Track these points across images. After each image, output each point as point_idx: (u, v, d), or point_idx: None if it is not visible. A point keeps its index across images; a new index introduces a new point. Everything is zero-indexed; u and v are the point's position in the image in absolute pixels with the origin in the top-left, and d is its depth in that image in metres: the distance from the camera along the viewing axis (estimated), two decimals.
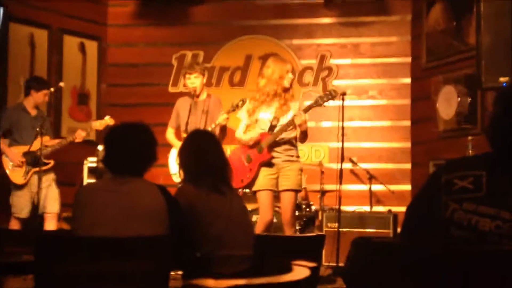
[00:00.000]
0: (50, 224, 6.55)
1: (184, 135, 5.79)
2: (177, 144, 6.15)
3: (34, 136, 6.46)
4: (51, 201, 6.53)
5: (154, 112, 8.02)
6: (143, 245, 2.68)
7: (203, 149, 3.61)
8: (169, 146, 6.33)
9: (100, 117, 8.31)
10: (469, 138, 6.21)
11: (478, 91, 6.71)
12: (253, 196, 6.47)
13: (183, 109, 6.25)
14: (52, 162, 6.60)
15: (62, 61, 8.10)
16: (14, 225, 6.51)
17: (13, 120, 6.52)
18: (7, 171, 6.50)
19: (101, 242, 2.68)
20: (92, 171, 7.27)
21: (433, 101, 7.34)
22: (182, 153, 3.69)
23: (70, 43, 8.22)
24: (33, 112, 6.66)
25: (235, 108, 5.92)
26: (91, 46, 8.44)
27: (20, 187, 6.49)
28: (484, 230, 2.02)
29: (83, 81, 8.28)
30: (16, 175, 6.47)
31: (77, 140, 6.61)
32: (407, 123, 8.07)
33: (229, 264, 3.31)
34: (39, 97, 6.66)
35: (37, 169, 6.45)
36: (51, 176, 6.62)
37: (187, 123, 6.07)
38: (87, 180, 7.25)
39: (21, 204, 6.48)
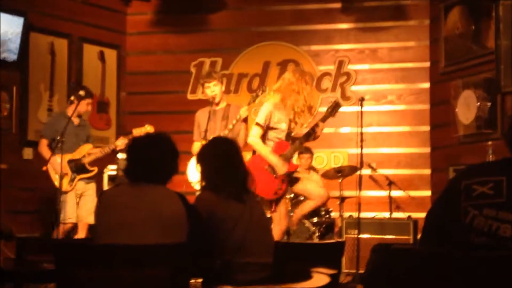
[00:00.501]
0: (81, 233, 6.59)
1: (203, 142, 5.81)
2: None
3: (78, 144, 6.56)
4: (89, 210, 6.51)
5: (173, 120, 8.07)
6: (163, 253, 2.69)
7: (224, 157, 3.61)
8: (190, 154, 6.32)
9: (119, 125, 8.37)
10: (489, 143, 6.17)
11: (497, 95, 6.66)
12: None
13: (203, 119, 6.26)
14: (95, 170, 6.68)
15: (82, 70, 8.16)
16: (63, 232, 6.52)
17: (58, 128, 6.55)
18: (53, 179, 6.55)
19: (120, 250, 2.69)
20: (112, 179, 7.32)
21: (452, 105, 7.30)
22: (202, 160, 3.69)
23: (90, 51, 8.28)
24: (76, 121, 6.73)
25: (255, 98, 5.97)
26: (110, 55, 8.50)
27: (66, 194, 6.53)
28: (504, 236, 2.00)
29: (102, 89, 8.33)
30: (62, 182, 6.51)
31: (118, 148, 6.66)
32: (426, 128, 8.03)
33: (248, 271, 3.31)
34: (83, 106, 6.72)
35: (82, 176, 6.56)
36: (93, 185, 6.71)
37: (206, 130, 6.07)
38: (107, 188, 7.30)
39: (68, 211, 6.52)
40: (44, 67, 7.74)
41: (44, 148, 6.67)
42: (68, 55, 8.01)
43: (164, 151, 3.13)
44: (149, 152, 3.10)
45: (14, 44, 7.28)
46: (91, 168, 6.67)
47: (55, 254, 2.56)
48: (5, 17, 7.17)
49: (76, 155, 6.63)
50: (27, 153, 7.35)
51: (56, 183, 6.50)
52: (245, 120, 6.06)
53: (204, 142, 5.49)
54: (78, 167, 6.61)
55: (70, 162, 6.57)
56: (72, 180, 6.58)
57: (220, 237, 3.34)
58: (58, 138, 6.36)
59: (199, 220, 3.14)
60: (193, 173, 6.34)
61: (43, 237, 6.60)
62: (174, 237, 2.91)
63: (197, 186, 6.32)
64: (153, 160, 3.08)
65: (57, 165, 6.42)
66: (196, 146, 6.37)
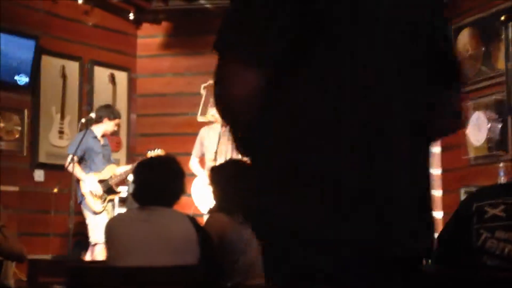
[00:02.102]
0: (100, 255, 6.58)
1: (213, 163, 5.82)
2: (201, 174, 6.17)
3: (104, 164, 6.57)
4: None
5: (183, 142, 8.07)
6: (174, 275, 2.69)
7: (238, 180, 3.62)
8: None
9: (129, 147, 8.40)
10: (501, 164, 6.15)
11: (508, 117, 6.65)
12: None
13: (208, 138, 6.27)
14: (122, 191, 6.69)
15: (93, 92, 8.21)
16: (95, 253, 6.50)
17: (87, 147, 6.56)
18: (87, 199, 6.54)
19: (132, 272, 2.70)
20: (122, 201, 7.32)
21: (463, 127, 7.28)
22: (216, 182, 3.70)
23: (101, 74, 8.33)
24: (102, 141, 6.75)
25: None
26: (121, 77, 8.55)
27: (96, 214, 6.53)
28: None
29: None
30: (95, 203, 6.52)
31: None
32: (437, 150, 8.00)
33: None
34: (111, 126, 6.75)
35: (112, 197, 6.56)
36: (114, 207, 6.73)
37: (216, 152, 6.08)
38: (117, 209, 7.30)
39: (99, 232, 6.50)
40: (56, 90, 7.79)
41: (76, 167, 6.54)
42: (79, 78, 8.06)
43: (169, 173, 3.15)
44: (154, 174, 3.12)
45: (26, 67, 7.34)
46: (118, 190, 6.67)
47: (68, 276, 2.56)
48: (17, 41, 7.24)
49: (104, 175, 6.62)
50: (38, 175, 7.37)
51: (89, 203, 6.48)
52: None
53: (214, 164, 5.51)
54: (107, 188, 6.61)
55: (100, 182, 6.58)
56: (103, 200, 6.57)
57: (232, 259, 3.34)
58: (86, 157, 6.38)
59: (209, 243, 3.14)
60: (197, 195, 6.35)
61: (55, 259, 6.59)
62: (185, 259, 2.91)
63: (201, 208, 6.32)
64: (158, 182, 3.10)
65: (92, 186, 6.43)
66: (194, 162, 6.39)
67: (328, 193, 1.37)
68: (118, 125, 6.91)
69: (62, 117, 7.73)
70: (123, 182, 7.15)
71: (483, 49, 7.17)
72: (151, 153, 6.56)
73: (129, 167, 6.82)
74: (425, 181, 1.60)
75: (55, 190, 6.64)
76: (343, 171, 1.39)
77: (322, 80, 1.42)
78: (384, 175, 1.42)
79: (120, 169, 6.75)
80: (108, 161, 6.79)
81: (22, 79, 7.32)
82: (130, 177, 6.99)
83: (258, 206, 1.46)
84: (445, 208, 7.73)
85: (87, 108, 7.94)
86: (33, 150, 7.45)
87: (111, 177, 6.58)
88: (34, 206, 7.29)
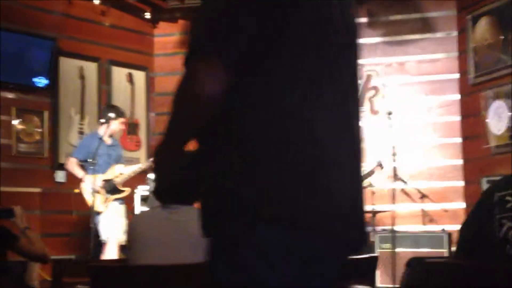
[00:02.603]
0: (111, 252, 6.61)
1: None
2: None
3: (109, 164, 6.61)
4: (119, 229, 6.56)
5: None
6: (196, 272, 2.70)
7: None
8: None
9: (149, 146, 8.43)
10: None
11: None
12: None
13: None
14: (128, 190, 6.72)
15: (112, 92, 8.25)
16: (109, 251, 6.55)
17: (91, 149, 6.61)
18: (88, 199, 6.59)
19: (154, 270, 2.71)
20: (144, 199, 7.35)
21: (483, 116, 7.23)
22: None
23: (119, 74, 8.37)
24: (108, 141, 6.78)
25: None
26: (139, 76, 8.58)
27: (100, 214, 6.55)
28: None
29: (132, 111, 8.40)
30: (96, 202, 6.55)
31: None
32: (458, 140, 7.96)
33: None
34: (117, 125, 6.79)
35: (115, 196, 6.60)
36: (124, 206, 6.74)
37: None
38: (139, 208, 7.34)
39: (103, 232, 6.52)
40: (74, 91, 7.84)
41: (74, 166, 6.70)
42: (98, 78, 8.11)
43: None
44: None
45: (44, 69, 7.39)
46: (124, 189, 6.71)
47: (91, 276, 2.58)
48: (35, 43, 7.29)
49: (108, 175, 6.67)
50: (60, 176, 7.43)
51: (90, 203, 6.55)
52: None
53: None
54: (111, 188, 6.65)
55: (103, 182, 6.62)
56: (106, 200, 6.62)
57: None
58: (90, 160, 6.42)
59: None
60: None
61: (78, 259, 6.63)
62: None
63: None
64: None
65: (91, 185, 6.48)
66: None
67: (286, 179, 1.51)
68: (124, 124, 6.91)
69: (82, 117, 7.78)
70: (142, 181, 7.19)
71: (502, 37, 7.11)
72: None
73: (136, 166, 6.84)
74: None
75: (76, 190, 6.68)
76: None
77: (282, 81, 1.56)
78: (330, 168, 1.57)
79: (126, 169, 6.77)
80: (117, 161, 6.79)
81: (41, 81, 7.38)
82: (151, 176, 7.02)
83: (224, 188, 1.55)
84: (467, 199, 7.69)
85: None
86: (54, 151, 7.50)
87: (116, 176, 6.59)
88: (55, 206, 7.35)
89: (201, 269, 2.74)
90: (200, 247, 2.96)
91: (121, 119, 6.83)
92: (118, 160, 6.82)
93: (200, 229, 1.65)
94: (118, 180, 6.65)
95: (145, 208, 7.12)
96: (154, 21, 8.83)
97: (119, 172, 6.68)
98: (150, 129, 8.61)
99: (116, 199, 6.66)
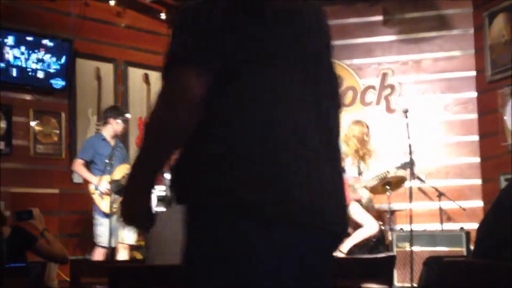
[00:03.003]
0: (123, 254, 6.61)
1: None
2: None
3: (115, 165, 6.59)
4: (129, 232, 6.56)
5: None
6: None
7: None
8: None
9: None
10: None
11: None
12: None
13: None
14: None
15: (128, 93, 8.29)
16: (99, 254, 6.58)
17: (97, 150, 6.63)
18: (96, 200, 6.59)
19: (171, 270, 2.71)
20: (161, 199, 7.35)
21: (500, 114, 7.19)
22: None
23: (135, 74, 8.40)
24: (112, 142, 6.78)
25: None
26: (155, 77, 8.61)
27: (106, 216, 6.50)
28: None
29: (148, 111, 8.43)
30: (103, 203, 6.54)
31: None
32: (475, 137, 7.91)
33: None
34: (119, 126, 6.79)
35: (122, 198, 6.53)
36: None
37: None
38: (156, 208, 7.34)
39: (106, 233, 6.47)
40: (91, 92, 7.88)
41: (81, 167, 6.70)
42: (114, 79, 8.15)
43: None
44: None
45: (61, 71, 7.44)
46: None
47: (110, 276, 2.59)
48: (51, 45, 7.34)
49: (115, 175, 6.62)
50: (77, 177, 7.47)
51: (98, 204, 6.55)
52: None
53: None
54: (118, 188, 6.60)
55: (111, 183, 6.58)
56: (113, 201, 6.56)
57: None
58: (107, 161, 6.42)
59: None
60: None
61: (96, 259, 6.65)
62: None
63: None
64: None
65: (100, 187, 6.48)
66: None
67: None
68: (124, 122, 6.90)
69: (99, 118, 7.82)
70: (160, 181, 7.19)
71: None
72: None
73: None
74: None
75: (91, 190, 6.70)
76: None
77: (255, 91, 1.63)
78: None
79: None
80: (122, 161, 6.76)
81: (58, 83, 7.42)
82: (168, 176, 7.01)
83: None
84: (484, 197, 7.65)
85: None
86: (71, 152, 7.54)
87: (123, 177, 6.54)
88: (73, 207, 7.39)
89: None
90: None
91: (122, 119, 6.82)
92: (124, 160, 6.77)
93: (184, 231, 1.70)
94: (125, 181, 6.58)
95: (162, 209, 7.13)
96: (169, 22, 8.85)
97: (125, 172, 6.63)
98: None
99: None
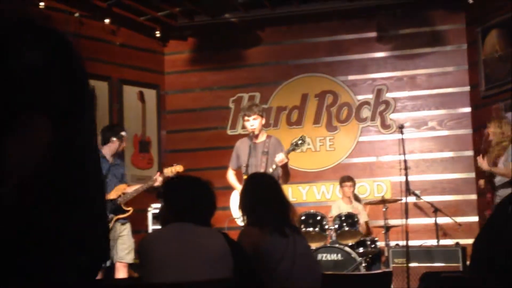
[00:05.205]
0: (121, 273, 6.57)
1: (244, 177, 5.81)
2: (238, 187, 6.16)
3: (113, 184, 6.55)
4: (127, 250, 6.54)
5: (214, 156, 8.12)
6: None
7: (262, 193, 3.62)
8: (230, 189, 6.33)
9: (161, 164, 8.44)
10: None
11: None
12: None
13: (243, 151, 6.24)
14: (131, 210, 6.66)
15: (123, 111, 8.28)
16: (118, 270, 6.51)
17: None
18: None
19: (170, 287, 2.70)
20: (156, 217, 7.33)
21: None
22: (242, 197, 3.73)
23: (130, 92, 8.41)
24: (111, 160, 6.77)
25: (295, 147, 5.93)
26: (150, 94, 8.62)
27: None
28: None
29: (143, 129, 8.43)
30: None
31: (156, 184, 6.57)
32: (470, 153, 7.93)
33: None
34: (117, 144, 6.78)
35: (119, 216, 6.53)
36: (128, 225, 6.67)
37: (247, 166, 6.06)
38: (152, 227, 7.32)
39: (114, 250, 6.42)
40: None
41: None
42: (109, 97, 8.16)
43: (203, 191, 3.16)
44: (190, 192, 3.13)
45: None
46: (127, 208, 6.63)
47: None
48: None
49: (112, 195, 6.59)
50: None
51: None
52: (285, 167, 6.00)
53: (245, 177, 5.51)
54: (114, 208, 6.58)
55: (107, 202, 6.53)
56: (109, 221, 6.51)
57: (266, 270, 3.33)
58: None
59: (243, 255, 3.14)
60: (235, 208, 6.32)
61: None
62: (220, 273, 2.92)
63: (239, 222, 6.30)
64: (189, 200, 3.11)
65: None
66: (230, 173, 6.37)
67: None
68: (125, 141, 6.88)
69: None
70: (154, 199, 7.17)
71: None
72: (167, 170, 6.52)
73: (139, 186, 6.77)
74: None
75: None
76: None
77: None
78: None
79: (130, 189, 6.71)
80: (120, 180, 6.73)
81: None
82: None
83: None
84: (480, 212, 7.64)
85: None
86: None
87: (120, 196, 6.52)
88: None
89: (215, 285, 2.74)
90: (213, 263, 2.97)
91: (120, 137, 6.81)
92: (121, 179, 6.74)
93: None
94: (121, 200, 6.56)
95: (158, 226, 7.10)
96: (164, 40, 8.88)
97: (122, 191, 6.59)
98: (161, 147, 8.64)
99: (119, 219, 6.55)
